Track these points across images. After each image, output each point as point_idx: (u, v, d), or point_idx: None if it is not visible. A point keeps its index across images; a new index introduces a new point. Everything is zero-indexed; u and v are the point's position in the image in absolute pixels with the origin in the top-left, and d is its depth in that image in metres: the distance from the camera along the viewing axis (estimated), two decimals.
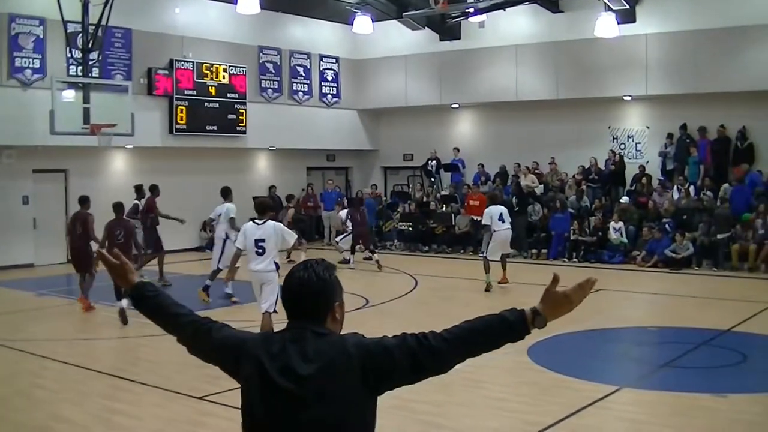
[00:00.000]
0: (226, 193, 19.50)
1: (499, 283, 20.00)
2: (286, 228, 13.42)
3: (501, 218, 19.81)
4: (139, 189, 20.75)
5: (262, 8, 25.73)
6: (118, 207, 17.64)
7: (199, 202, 26.48)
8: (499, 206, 20.36)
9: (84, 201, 18.16)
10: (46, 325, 16.24)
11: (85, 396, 10.84)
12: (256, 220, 12.91)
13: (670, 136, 26.83)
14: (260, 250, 12.69)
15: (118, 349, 14.53)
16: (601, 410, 9.82)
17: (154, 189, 21.83)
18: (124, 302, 15.35)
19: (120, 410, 10.16)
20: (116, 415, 9.97)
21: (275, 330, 11.46)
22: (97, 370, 12.24)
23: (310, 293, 3.86)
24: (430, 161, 31.27)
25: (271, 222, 12.93)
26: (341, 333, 3.91)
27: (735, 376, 11.75)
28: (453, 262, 25.94)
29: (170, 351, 13.96)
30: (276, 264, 12.78)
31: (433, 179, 31.43)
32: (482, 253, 20.28)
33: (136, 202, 20.63)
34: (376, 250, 24.89)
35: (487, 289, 19.52)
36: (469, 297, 17.74)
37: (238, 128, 28.77)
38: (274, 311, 12.43)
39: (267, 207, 13.31)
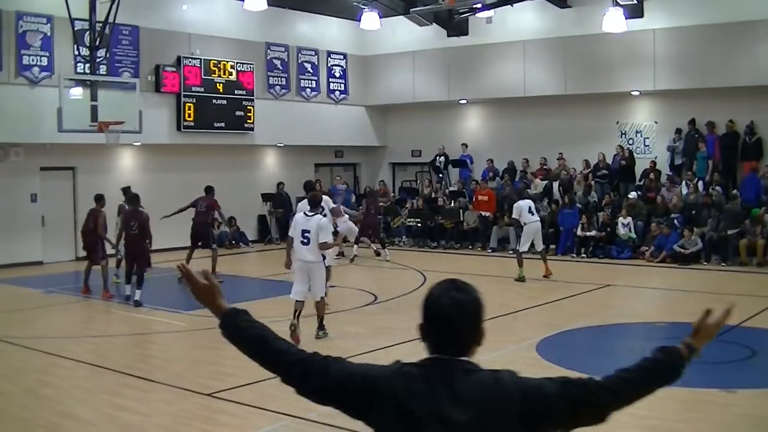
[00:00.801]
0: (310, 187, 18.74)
1: (543, 276, 20.54)
2: (328, 227, 14.04)
3: (530, 211, 20.57)
4: (126, 191, 20.47)
5: (269, 5, 25.72)
6: (133, 198, 18.48)
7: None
8: (527, 200, 21.17)
9: (98, 199, 19.23)
10: (54, 323, 16.28)
11: (93, 393, 10.85)
12: (306, 212, 13.80)
13: (678, 131, 26.76)
14: (306, 241, 13.53)
15: (127, 346, 14.52)
16: None
17: (211, 190, 22.15)
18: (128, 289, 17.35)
19: (128, 407, 10.15)
20: (124, 412, 9.96)
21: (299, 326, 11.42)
22: (105, 367, 12.25)
23: (468, 317, 3.42)
24: (438, 157, 31.26)
25: (318, 216, 13.76)
26: (488, 369, 3.44)
27: (744, 371, 11.72)
28: (461, 258, 25.91)
29: (179, 348, 14.04)
30: (323, 255, 13.79)
31: (441, 175, 31.41)
32: (516, 247, 21.10)
33: (124, 205, 20.29)
34: (386, 245, 25.00)
35: (520, 279, 20.30)
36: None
37: (245, 125, 28.76)
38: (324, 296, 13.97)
39: (318, 201, 14.17)
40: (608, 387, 3.58)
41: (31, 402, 10.52)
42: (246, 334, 3.75)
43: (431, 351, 3.41)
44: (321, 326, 13.98)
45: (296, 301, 13.81)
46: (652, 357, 3.75)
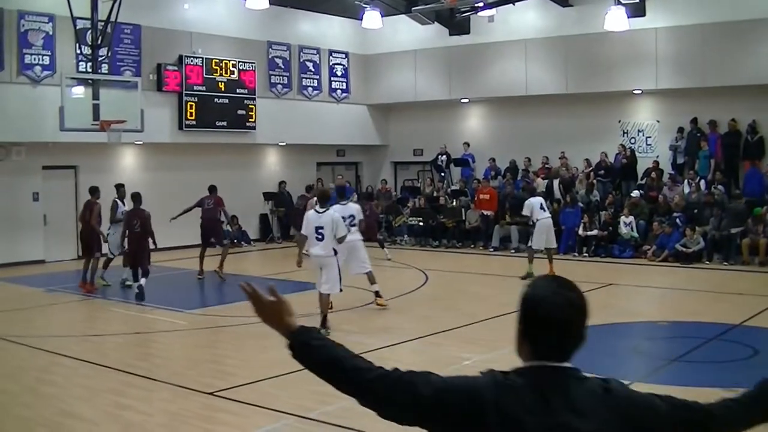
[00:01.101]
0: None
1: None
2: (341, 221, 14.39)
3: (542, 207, 20.71)
4: (119, 187, 20.48)
5: (270, 3, 25.73)
6: (135, 197, 18.74)
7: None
8: (538, 197, 21.31)
9: (93, 191, 19.68)
10: (56, 321, 16.29)
11: (95, 392, 10.85)
12: (317, 209, 14.31)
13: (680, 130, 26.75)
14: (320, 236, 14.02)
15: (128, 344, 14.52)
16: None
17: (215, 188, 22.32)
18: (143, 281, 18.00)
19: (130, 406, 10.15)
20: (126, 410, 9.96)
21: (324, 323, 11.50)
22: (106, 365, 12.25)
23: (583, 318, 3.14)
24: (440, 156, 31.24)
25: (330, 211, 14.31)
26: (595, 377, 3.17)
27: (746, 370, 11.68)
28: (463, 256, 25.91)
29: (180, 347, 14.04)
30: (334, 249, 14.15)
31: (443, 174, 31.40)
32: (529, 244, 21.13)
33: (116, 200, 20.30)
34: (385, 245, 25.01)
35: (528, 276, 19.63)
36: (480, 291, 17.72)
37: (247, 124, 28.76)
38: (340, 290, 14.44)
39: (327, 197, 14.81)
40: (716, 414, 3.22)
41: (32, 401, 10.52)
42: (318, 354, 3.38)
43: (533, 357, 3.08)
44: (324, 324, 14.07)
45: (320, 293, 14.32)
46: (760, 388, 3.41)
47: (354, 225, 15.93)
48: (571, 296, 3.09)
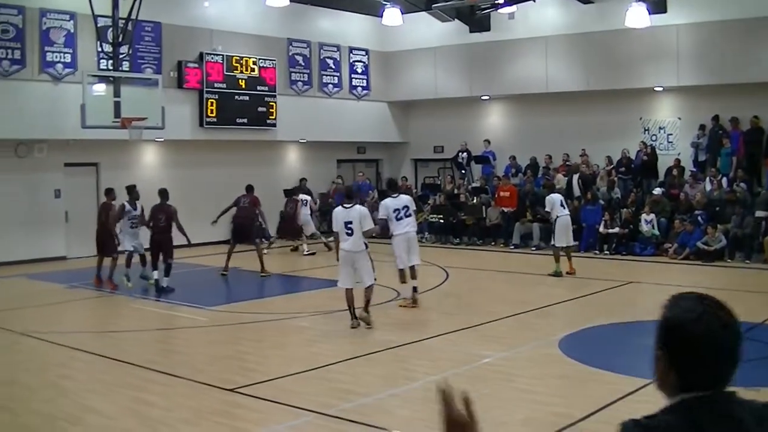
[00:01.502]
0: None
1: (567, 273, 20.55)
2: (368, 214, 14.59)
3: (562, 204, 20.77)
4: (131, 190, 20.36)
5: (291, 1, 25.74)
6: (162, 193, 19.26)
7: (229, 194, 26.52)
8: (557, 194, 21.25)
9: (108, 192, 20.03)
10: (77, 317, 16.35)
11: (115, 387, 10.87)
12: (344, 205, 14.44)
13: (702, 127, 26.59)
14: (349, 231, 14.11)
15: (149, 340, 14.57)
16: (632, 403, 9.71)
17: (252, 188, 22.87)
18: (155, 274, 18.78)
19: (150, 401, 10.17)
20: (146, 406, 9.98)
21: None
22: (127, 361, 12.27)
23: (737, 340, 2.79)
24: (460, 153, 31.21)
25: (357, 206, 14.54)
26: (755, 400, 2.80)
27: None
28: (483, 254, 25.87)
29: (201, 343, 14.06)
30: (365, 243, 14.28)
31: (463, 171, 31.35)
32: (552, 243, 21.21)
33: (124, 203, 20.18)
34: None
35: (556, 274, 20.42)
36: (501, 289, 17.69)
37: (268, 121, 28.80)
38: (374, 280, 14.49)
39: (353, 193, 15.45)
40: None
41: (53, 395, 10.55)
42: None
43: (683, 389, 2.72)
44: (367, 309, 14.33)
45: (346, 289, 14.24)
46: None
47: (409, 216, 16.41)
48: (722, 315, 2.74)
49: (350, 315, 14.22)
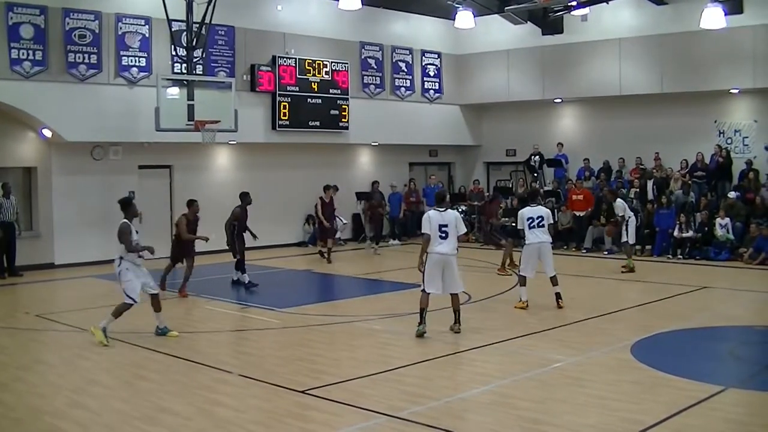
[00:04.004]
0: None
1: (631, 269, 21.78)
2: (461, 218, 14.51)
3: (630, 208, 22.75)
4: (191, 203, 20.11)
5: (363, 4, 25.79)
6: (244, 196, 20.00)
7: (301, 197, 26.71)
8: (620, 200, 22.51)
9: (189, 204, 19.40)
10: (150, 318, 16.49)
11: (188, 388, 10.97)
12: (437, 208, 14.26)
13: None
14: (444, 235, 13.98)
15: (221, 342, 14.68)
16: (705, 410, 9.59)
17: (330, 187, 24.56)
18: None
19: (222, 402, 10.24)
20: (218, 407, 10.05)
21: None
22: (200, 362, 12.38)
23: None
24: (533, 156, 31.07)
25: (451, 210, 14.52)
26: None
27: None
28: (555, 258, 25.46)
29: (273, 345, 14.14)
30: (457, 248, 14.22)
31: (536, 174, 31.19)
32: (626, 240, 22.15)
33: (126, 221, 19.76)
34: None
35: (629, 269, 21.91)
36: (573, 293, 17.52)
37: (340, 124, 28.88)
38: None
39: (445, 197, 15.00)
40: None
41: (128, 395, 10.69)
42: None
43: None
44: (458, 320, 14.29)
45: (427, 294, 14.04)
46: None
47: (542, 226, 16.70)
48: None
49: (420, 319, 14.03)
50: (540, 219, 16.65)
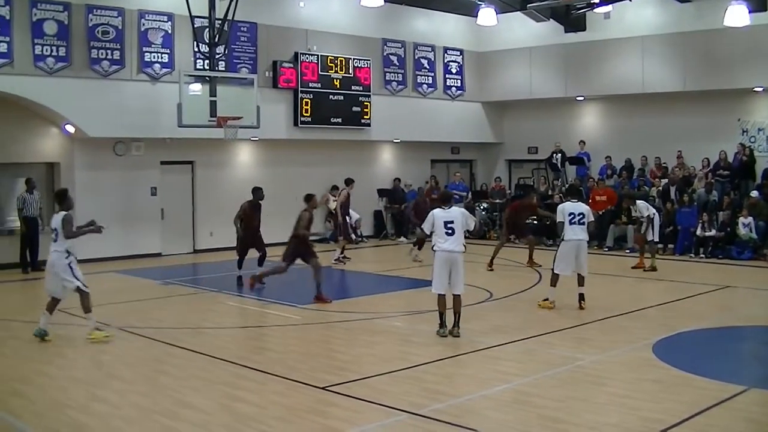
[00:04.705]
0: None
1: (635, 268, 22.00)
2: (469, 213, 14.47)
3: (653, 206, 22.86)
4: (60, 197, 19.37)
5: (385, 1, 25.79)
6: (255, 191, 19.88)
7: (323, 193, 26.67)
8: (641, 201, 22.66)
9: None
10: (172, 313, 16.56)
11: (209, 383, 10.99)
12: (442, 207, 13.94)
13: None
14: (450, 232, 13.67)
15: (242, 338, 14.71)
16: (727, 410, 9.54)
17: (351, 181, 24.70)
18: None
19: (243, 398, 10.25)
20: (239, 402, 10.06)
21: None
22: (220, 358, 12.40)
23: None
24: (554, 154, 31.01)
25: (456, 207, 14.15)
26: None
27: None
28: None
29: (294, 341, 14.15)
30: (464, 245, 13.86)
31: (558, 172, 31.11)
32: (652, 239, 22.09)
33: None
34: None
35: (652, 269, 21.79)
36: (594, 291, 17.44)
37: (362, 121, 28.89)
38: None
39: (450, 196, 14.59)
40: None
41: (149, 390, 10.73)
42: None
43: None
44: (457, 323, 13.86)
45: (439, 295, 13.84)
46: None
47: (583, 224, 16.10)
48: None
49: (440, 322, 13.94)
50: (581, 216, 16.14)
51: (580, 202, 16.70)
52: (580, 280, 16.28)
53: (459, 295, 13.84)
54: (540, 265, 22.01)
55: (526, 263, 22.64)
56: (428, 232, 13.96)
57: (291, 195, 23.21)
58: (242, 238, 19.61)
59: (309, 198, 18.05)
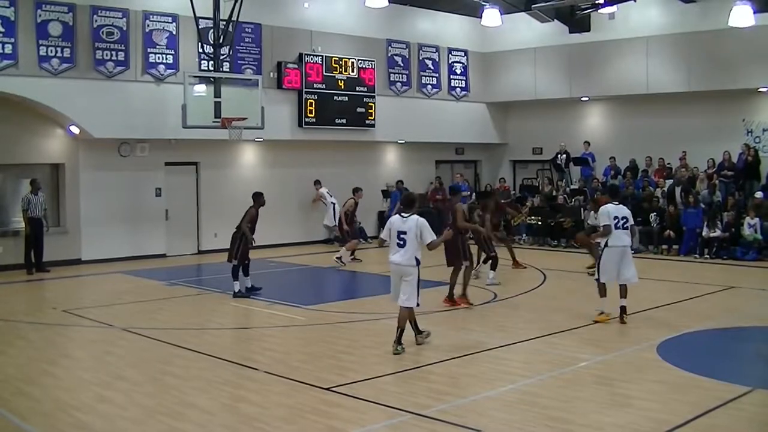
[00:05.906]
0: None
1: None
2: (427, 225, 12.74)
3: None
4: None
5: (390, 2, 25.80)
6: (257, 196, 18.86)
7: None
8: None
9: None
10: (176, 314, 16.57)
11: (213, 384, 11.00)
12: (402, 213, 12.90)
13: None
14: (401, 242, 12.65)
15: (246, 338, 14.72)
16: (732, 411, 9.54)
17: (358, 189, 24.32)
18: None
19: (246, 398, 10.26)
20: (242, 403, 10.07)
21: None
22: (224, 358, 12.42)
23: None
24: (559, 155, 30.98)
25: (415, 216, 12.74)
26: None
27: None
28: (582, 256, 25.53)
29: (297, 341, 14.15)
30: (417, 259, 12.66)
31: (562, 173, 31.10)
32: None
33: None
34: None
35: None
36: (594, 292, 17.42)
37: (366, 121, 28.89)
38: (417, 305, 12.85)
39: (413, 201, 13.15)
40: None
41: (154, 390, 10.74)
42: None
43: None
44: (398, 338, 12.76)
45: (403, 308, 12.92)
46: None
47: (626, 228, 14.81)
48: None
49: (397, 335, 12.83)
50: (625, 220, 14.81)
51: (621, 205, 15.23)
52: (622, 291, 14.99)
53: (403, 308, 12.81)
54: (525, 267, 21.97)
55: (512, 265, 22.27)
56: (387, 239, 13.02)
57: (295, 196, 23.26)
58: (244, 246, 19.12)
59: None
